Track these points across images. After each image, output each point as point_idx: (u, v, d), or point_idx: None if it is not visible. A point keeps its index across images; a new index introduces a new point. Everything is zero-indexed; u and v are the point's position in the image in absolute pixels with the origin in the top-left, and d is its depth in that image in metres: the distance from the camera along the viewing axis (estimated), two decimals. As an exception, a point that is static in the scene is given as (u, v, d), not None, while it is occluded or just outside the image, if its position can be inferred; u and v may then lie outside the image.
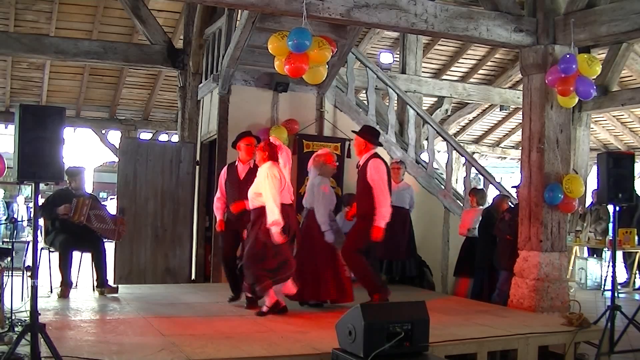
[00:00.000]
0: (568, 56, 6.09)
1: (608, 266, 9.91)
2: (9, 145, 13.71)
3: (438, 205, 9.43)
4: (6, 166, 5.39)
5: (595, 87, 6.35)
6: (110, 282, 6.92)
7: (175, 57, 9.88)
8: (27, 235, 10.77)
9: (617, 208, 6.23)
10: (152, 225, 8.38)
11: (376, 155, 6.25)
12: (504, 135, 18.28)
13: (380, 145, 6.58)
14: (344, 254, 6.21)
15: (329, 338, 4.42)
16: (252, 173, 6.16)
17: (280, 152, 5.90)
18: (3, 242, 8.42)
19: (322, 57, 5.48)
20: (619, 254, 10.57)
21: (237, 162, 6.55)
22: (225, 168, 6.71)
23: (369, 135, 6.35)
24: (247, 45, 7.68)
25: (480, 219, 7.94)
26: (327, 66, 5.72)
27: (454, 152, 9.93)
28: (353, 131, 6.65)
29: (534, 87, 6.57)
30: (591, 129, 13.44)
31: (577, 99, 6.30)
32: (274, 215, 5.52)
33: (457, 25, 6.28)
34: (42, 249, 6.56)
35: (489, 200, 9.04)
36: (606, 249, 10.49)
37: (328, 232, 6.20)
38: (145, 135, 15.58)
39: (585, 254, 11.56)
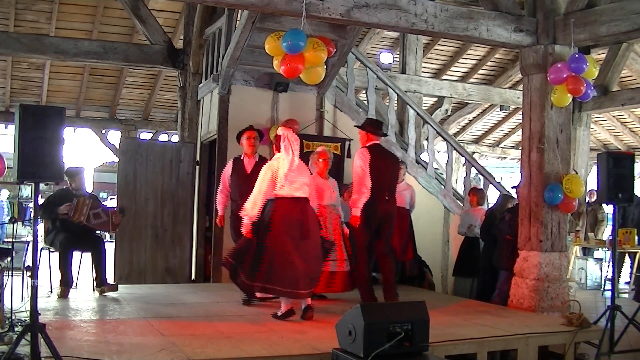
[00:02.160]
0: (577, 56, 6.09)
1: (608, 266, 9.91)
2: (9, 145, 13.73)
3: (438, 205, 9.43)
4: (6, 166, 5.40)
5: (593, 89, 6.36)
6: (110, 281, 6.92)
7: (175, 57, 9.89)
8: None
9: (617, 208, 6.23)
10: (152, 225, 8.38)
11: (369, 146, 6.40)
12: (504, 135, 18.28)
13: (384, 135, 6.61)
14: (357, 251, 6.38)
15: (329, 338, 4.42)
16: (258, 167, 6.18)
17: (282, 141, 5.68)
18: (3, 242, 8.41)
19: (318, 58, 5.46)
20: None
21: (243, 156, 6.65)
22: (230, 162, 6.74)
23: (369, 126, 6.54)
24: (247, 45, 7.68)
25: (483, 219, 7.95)
26: (325, 66, 5.71)
27: (454, 152, 9.94)
28: (356, 125, 6.84)
29: (534, 87, 6.57)
30: (591, 129, 13.44)
31: (570, 99, 6.30)
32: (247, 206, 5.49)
33: (457, 25, 6.28)
34: (42, 249, 6.56)
35: (492, 200, 9.04)
36: (605, 249, 10.49)
37: None
38: (145, 135, 15.59)
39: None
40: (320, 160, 6.59)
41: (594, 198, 11.06)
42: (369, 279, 6.43)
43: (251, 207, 5.47)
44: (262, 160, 6.33)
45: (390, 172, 6.51)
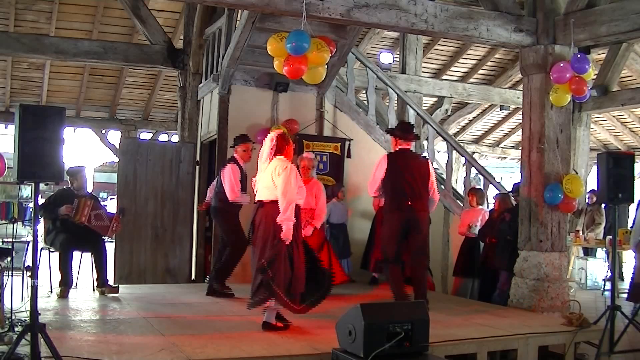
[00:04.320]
0: (579, 56, 6.09)
1: (608, 267, 9.92)
2: (9, 145, 13.72)
3: (438, 205, 9.40)
4: (6, 166, 5.40)
5: (590, 89, 6.36)
6: (111, 282, 6.93)
7: (175, 57, 9.89)
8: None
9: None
10: (152, 225, 8.38)
11: (393, 152, 6.32)
12: (504, 135, 18.28)
13: (414, 138, 6.45)
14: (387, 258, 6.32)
15: (329, 338, 4.43)
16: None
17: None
18: (3, 242, 8.41)
19: (321, 59, 5.50)
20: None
21: (239, 161, 6.78)
22: (234, 166, 6.70)
23: (397, 130, 6.38)
24: (247, 45, 7.68)
25: (484, 219, 7.95)
26: (326, 66, 5.72)
27: (454, 152, 9.93)
28: (385, 130, 7.10)
29: (534, 87, 6.57)
30: (591, 129, 13.43)
31: (569, 98, 6.31)
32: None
33: (457, 25, 6.28)
34: (42, 249, 6.56)
35: (491, 201, 9.02)
36: (604, 249, 10.48)
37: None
38: (145, 135, 15.58)
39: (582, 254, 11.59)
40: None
41: (594, 199, 11.02)
42: (401, 284, 6.24)
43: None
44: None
45: (415, 178, 6.20)
